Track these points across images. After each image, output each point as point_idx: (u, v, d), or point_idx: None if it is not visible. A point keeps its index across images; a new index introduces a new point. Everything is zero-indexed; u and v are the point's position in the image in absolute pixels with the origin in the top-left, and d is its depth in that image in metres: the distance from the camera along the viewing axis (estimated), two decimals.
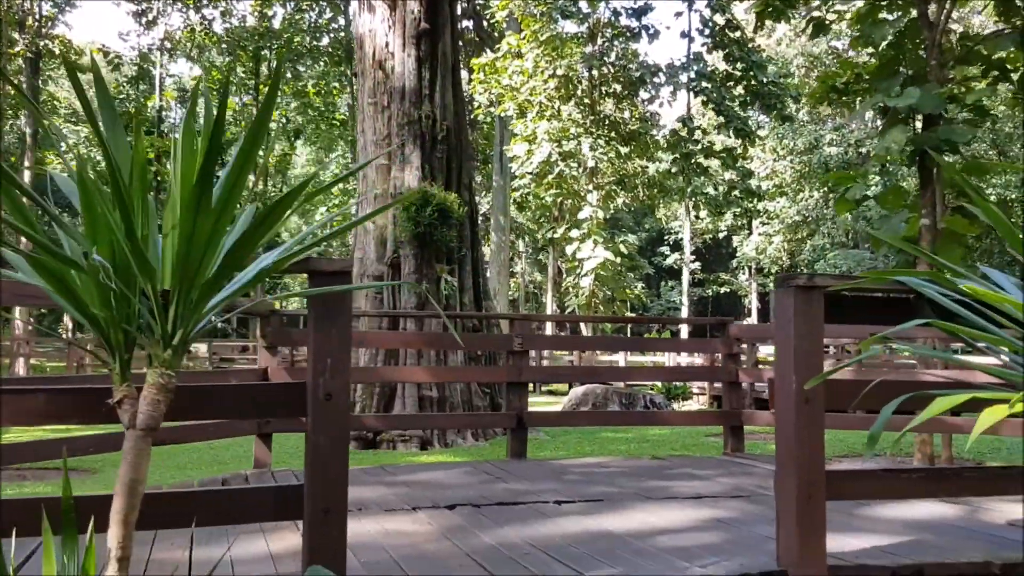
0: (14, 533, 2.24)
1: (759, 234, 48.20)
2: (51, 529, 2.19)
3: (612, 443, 11.77)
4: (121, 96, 33.72)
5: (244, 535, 3.63)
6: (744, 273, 56.01)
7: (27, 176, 25.76)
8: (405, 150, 12.80)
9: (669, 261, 55.60)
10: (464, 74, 33.02)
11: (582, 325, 33.99)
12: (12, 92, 31.31)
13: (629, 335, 40.92)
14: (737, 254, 53.83)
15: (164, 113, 41.20)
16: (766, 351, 22.05)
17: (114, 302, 2.04)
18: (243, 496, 2.71)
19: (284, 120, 45.61)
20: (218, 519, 2.63)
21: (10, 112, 31.87)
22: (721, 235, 54.57)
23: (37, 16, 28.47)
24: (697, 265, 57.90)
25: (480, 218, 43.83)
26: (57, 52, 28.54)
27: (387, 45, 13.19)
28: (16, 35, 27.49)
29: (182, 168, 2.11)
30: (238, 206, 2.31)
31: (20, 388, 2.39)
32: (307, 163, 57.06)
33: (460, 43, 19.09)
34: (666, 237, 57.86)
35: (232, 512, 2.61)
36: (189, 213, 1.99)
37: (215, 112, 2.09)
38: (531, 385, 26.82)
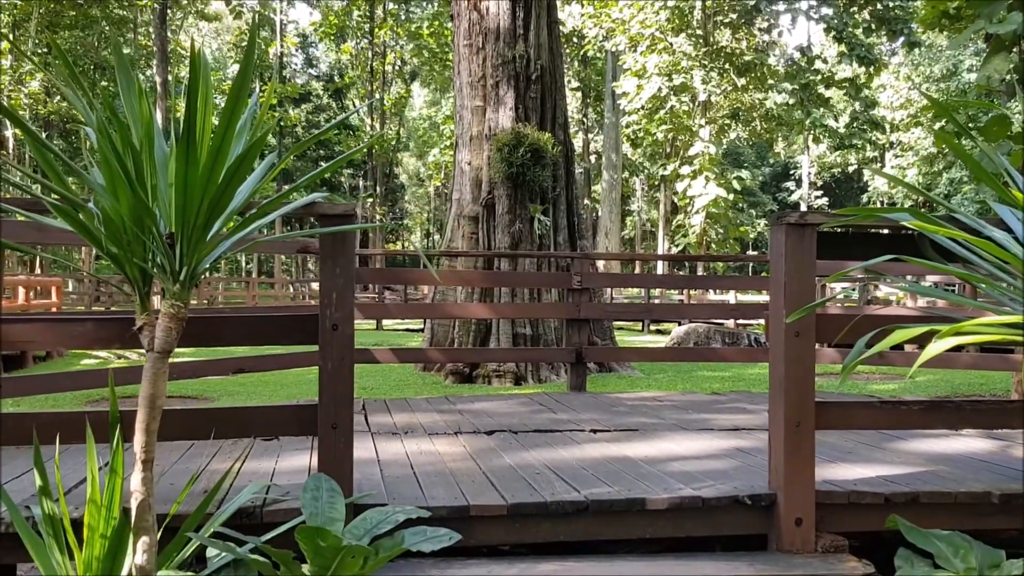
0: (57, 440, 2.70)
1: (892, 167, 45.98)
2: (93, 437, 2.64)
3: (706, 381, 11.86)
4: (243, 44, 35.01)
5: (296, 451, 4.08)
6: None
7: (159, 121, 27.33)
8: (499, 91, 12.97)
9: (794, 197, 53.86)
10: (575, 7, 32.66)
11: (699, 266, 33.64)
12: (144, 43, 33.12)
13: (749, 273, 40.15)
14: (868, 188, 51.56)
15: (286, 59, 42.54)
16: (887, 289, 21.36)
17: (126, 242, 2.42)
18: (266, 413, 3.11)
19: (400, 62, 46.35)
20: (239, 432, 3.03)
21: (142, 62, 33.77)
22: (851, 168, 52.29)
23: None
24: (824, 201, 55.80)
25: (592, 156, 43.65)
26: (184, 2, 29.91)
27: None
28: None
29: (183, 125, 2.44)
30: (257, 160, 2.65)
31: (72, 317, 2.83)
32: (424, 104, 57.86)
33: None
34: (791, 172, 55.97)
35: (255, 426, 3.01)
36: (180, 165, 2.33)
37: (199, 77, 2.41)
38: (641, 324, 26.93)
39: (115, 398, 2.73)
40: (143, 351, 2.62)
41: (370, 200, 41.66)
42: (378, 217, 41.42)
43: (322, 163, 54.51)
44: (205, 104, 2.51)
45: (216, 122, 2.48)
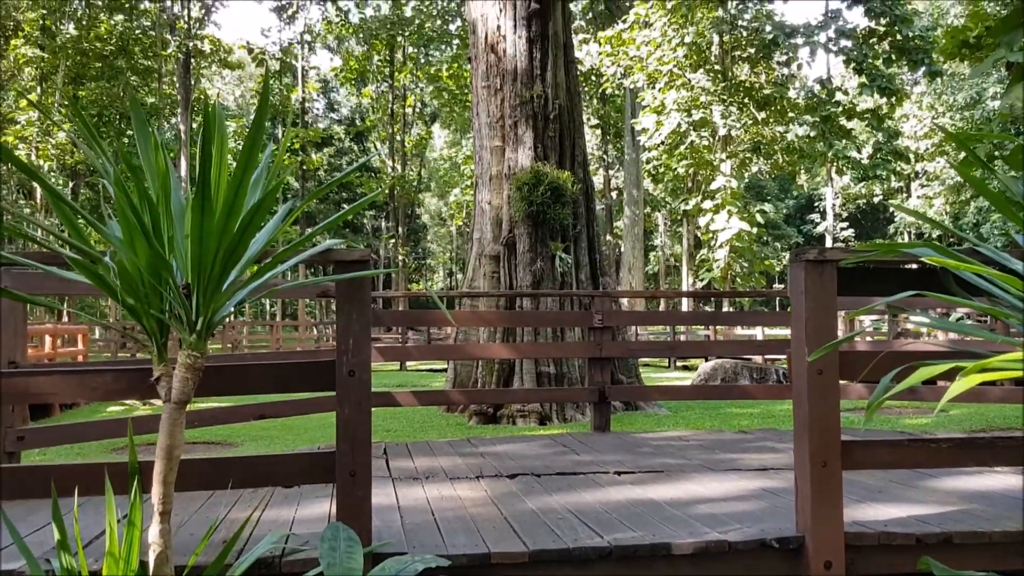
0: (76, 492, 2.71)
1: (918, 197, 45.68)
2: (112, 489, 2.64)
3: (733, 418, 11.74)
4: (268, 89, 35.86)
5: (316, 498, 4.07)
6: (903, 239, 53.37)
7: (183, 169, 27.83)
8: (518, 130, 13.09)
9: (819, 229, 53.62)
10: (593, 47, 32.98)
11: (724, 302, 33.45)
12: (169, 92, 33.80)
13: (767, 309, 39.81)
14: (895, 219, 51.25)
15: (308, 104, 43.23)
16: (919, 319, 21.11)
17: (143, 294, 2.44)
18: (283, 462, 3.11)
19: (420, 104, 46.93)
20: (257, 482, 3.03)
21: (167, 110, 34.45)
22: (876, 199, 52.03)
23: (187, 18, 30.54)
24: (851, 232, 55.47)
25: (613, 192, 43.75)
26: (207, 51, 30.55)
27: (499, 28, 13.49)
28: (168, 36, 29.61)
29: (198, 177, 2.47)
30: (272, 209, 2.69)
31: (90, 368, 2.86)
32: (445, 144, 58.44)
33: (573, 19, 19.14)
34: (816, 204, 55.80)
35: (272, 475, 3.00)
36: (195, 217, 2.36)
37: (213, 128, 2.46)
38: (667, 360, 26.76)
39: (134, 448, 2.74)
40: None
41: (392, 241, 42.02)
42: (400, 258, 41.70)
43: (344, 205, 55.09)
44: (220, 154, 2.55)
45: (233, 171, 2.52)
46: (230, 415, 5.91)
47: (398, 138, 41.60)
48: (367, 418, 3.00)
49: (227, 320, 25.26)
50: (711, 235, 27.87)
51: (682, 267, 36.01)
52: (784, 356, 20.61)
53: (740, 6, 24.15)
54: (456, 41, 36.25)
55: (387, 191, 41.39)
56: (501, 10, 13.50)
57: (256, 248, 2.61)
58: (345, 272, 3.00)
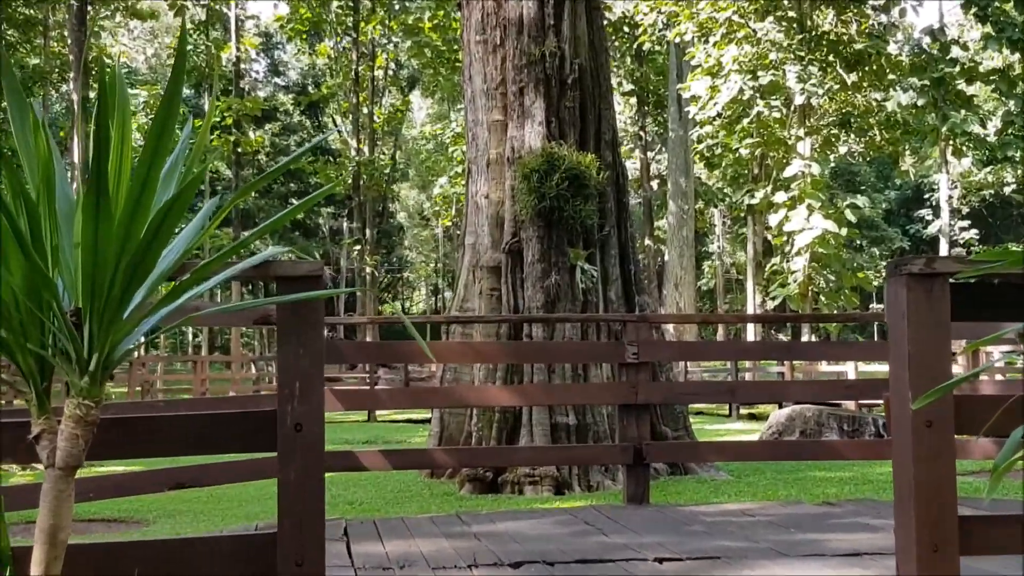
0: None
1: None
2: None
3: (817, 484, 11.69)
4: (188, 48, 35.97)
5: None
6: None
7: (76, 153, 27.96)
8: (524, 100, 13.13)
9: (932, 229, 53.61)
10: None
11: (805, 328, 33.43)
12: (57, 50, 34.01)
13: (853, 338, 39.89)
14: None
15: (244, 66, 43.45)
16: None
17: (18, 322, 2.45)
18: (206, 546, 3.10)
19: (395, 65, 47.13)
20: (169, 574, 3.02)
21: (55, 75, 34.62)
22: (1007, 189, 52.03)
23: None
24: (973, 233, 55.49)
25: (653, 181, 43.88)
26: None
27: None
28: None
29: (91, 166, 2.48)
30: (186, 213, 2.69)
31: None
32: (427, 119, 58.65)
33: None
34: (926, 196, 55.83)
35: (191, 564, 2.99)
36: (88, 219, 2.37)
37: (114, 101, 2.46)
38: (728, 407, 26.72)
39: (6, 529, 2.74)
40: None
41: (357, 247, 42.10)
42: (368, 270, 41.75)
43: (293, 200, 55.29)
44: (123, 135, 2.56)
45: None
46: (138, 483, 5.91)
47: (365, 110, 41.72)
48: (319, 486, 2.99)
49: (135, 355, 25.30)
50: (786, 238, 27.87)
51: (747, 281, 36.03)
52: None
53: None
54: None
55: (350, 181, 41.50)
56: None
57: (170, 260, 2.61)
58: (290, 291, 3.01)
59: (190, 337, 50.47)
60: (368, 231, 42.57)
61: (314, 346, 3.00)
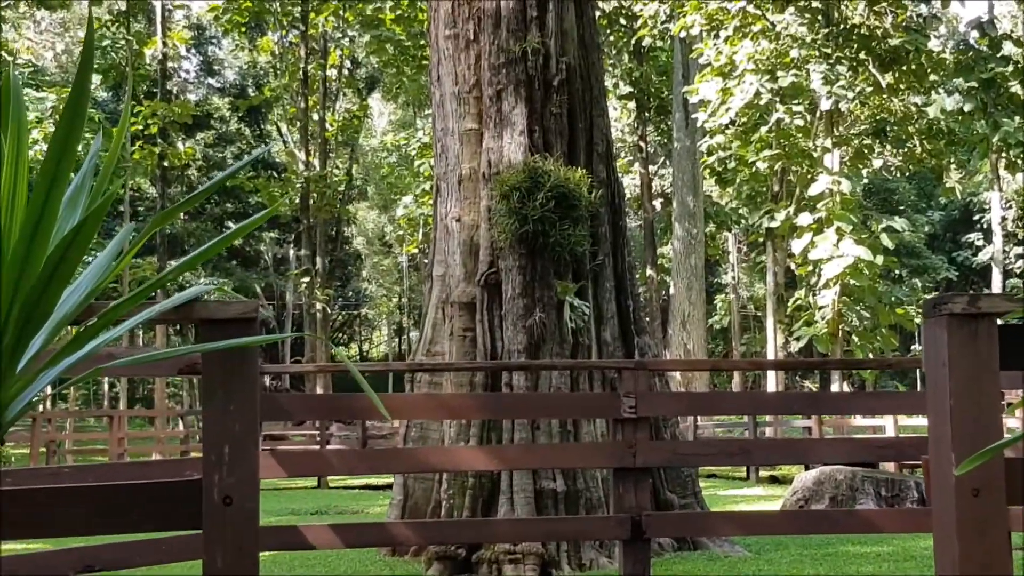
0: None
1: None
2: None
3: (851, 562, 11.67)
4: (105, 43, 35.87)
5: None
6: None
7: None
8: (503, 104, 13.17)
9: (983, 256, 53.93)
10: None
11: (834, 374, 33.47)
12: None
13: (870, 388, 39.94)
14: None
15: (171, 65, 43.41)
16: None
17: None
18: None
19: (351, 64, 47.21)
20: None
21: None
22: None
23: None
24: None
25: (656, 200, 44.01)
26: None
27: None
28: None
29: None
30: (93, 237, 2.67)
31: None
32: (389, 127, 58.75)
33: None
34: (976, 218, 56.16)
35: None
36: None
37: (7, 108, 2.45)
38: (745, 470, 26.67)
39: None
40: None
41: (306, 280, 41.98)
42: (319, 307, 41.65)
43: (230, 223, 55.14)
44: (17, 151, 2.54)
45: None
46: (39, 567, 5.84)
47: (315, 116, 41.76)
48: (252, 569, 2.96)
49: (39, 409, 25.13)
50: (811, 268, 27.95)
51: (766, 319, 36.06)
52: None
53: None
54: None
55: (297, 200, 41.43)
56: None
57: (75, 301, 2.59)
58: (218, 337, 2.99)
59: (105, 388, 50.12)
60: (319, 260, 42.48)
61: (247, 403, 2.97)
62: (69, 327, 2.72)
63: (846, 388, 30.97)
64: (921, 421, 26.11)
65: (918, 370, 43.04)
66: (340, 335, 69.16)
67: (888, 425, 24.33)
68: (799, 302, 30.27)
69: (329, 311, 45.58)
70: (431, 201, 18.26)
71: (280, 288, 57.06)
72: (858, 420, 26.95)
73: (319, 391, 38.94)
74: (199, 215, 53.78)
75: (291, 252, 55.81)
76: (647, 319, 32.41)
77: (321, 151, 42.09)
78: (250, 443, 2.98)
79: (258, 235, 56.78)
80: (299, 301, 48.82)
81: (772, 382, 32.82)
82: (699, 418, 26.95)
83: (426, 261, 18.56)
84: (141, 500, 3.04)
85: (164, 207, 39.86)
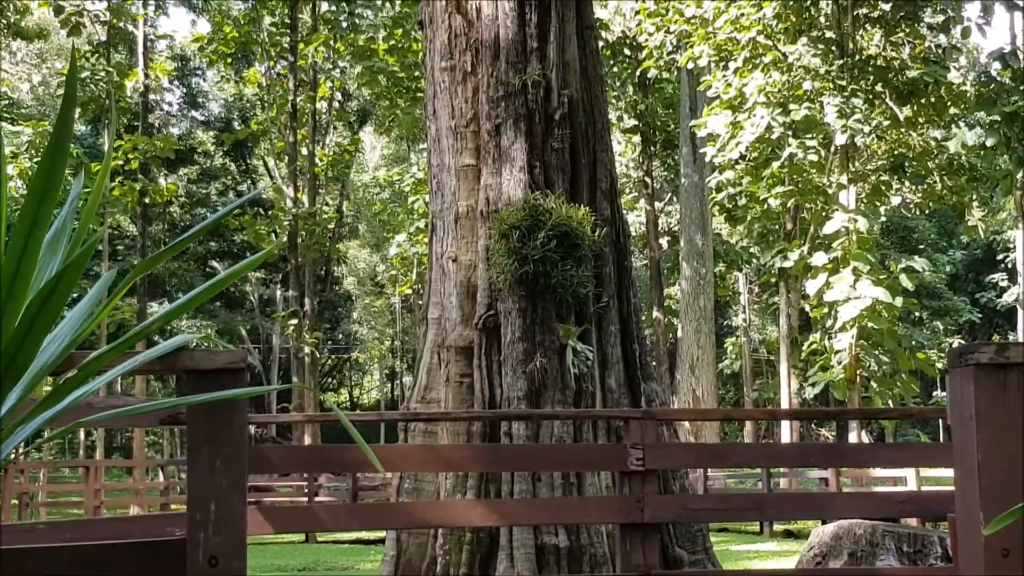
0: None
1: None
2: None
3: None
4: (84, 74, 36.00)
5: None
6: None
7: None
8: (502, 139, 13.22)
9: (1008, 298, 53.94)
10: (626, 2, 33.51)
11: (853, 424, 33.40)
12: None
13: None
14: None
15: (154, 97, 43.54)
16: None
17: None
18: None
19: (342, 96, 47.35)
20: None
21: None
22: None
23: None
24: None
25: (663, 239, 44.06)
26: None
27: None
28: None
29: None
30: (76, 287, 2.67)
31: None
32: (382, 162, 58.89)
33: None
34: (1001, 258, 56.21)
35: None
36: None
37: None
38: (759, 524, 26.61)
39: None
40: None
41: (293, 322, 41.93)
42: (307, 350, 41.59)
43: (213, 263, 55.20)
44: None
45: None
46: None
47: (304, 151, 41.82)
48: None
49: (11, 460, 25.05)
50: (826, 310, 27.92)
51: (779, 363, 36.00)
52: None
53: None
54: None
55: (285, 239, 41.42)
56: None
57: (54, 351, 2.59)
58: (204, 389, 2.99)
59: (81, 436, 49.90)
60: (308, 301, 42.41)
61: (234, 458, 2.97)
62: (48, 377, 2.72)
63: (864, 437, 30.89)
64: (945, 472, 26.03)
65: (941, 421, 42.97)
66: (329, 380, 69.06)
67: (910, 476, 24.27)
68: (814, 346, 30.21)
69: (318, 355, 45.38)
70: (426, 240, 18.27)
71: (266, 331, 57.03)
72: (877, 472, 26.89)
73: (307, 439, 38.85)
74: (182, 255, 53.78)
75: (278, 293, 55.81)
76: (654, 364, 32.41)
77: (310, 187, 42.08)
78: (237, 500, 2.97)
79: (244, 275, 56.79)
80: (286, 344, 48.76)
81: (786, 430, 32.73)
82: (706, 471, 26.88)
83: (420, 303, 18.51)
84: (122, 561, 3.03)
85: (145, 246, 39.84)
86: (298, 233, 40.55)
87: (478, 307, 12.87)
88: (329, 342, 60.94)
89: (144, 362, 2.88)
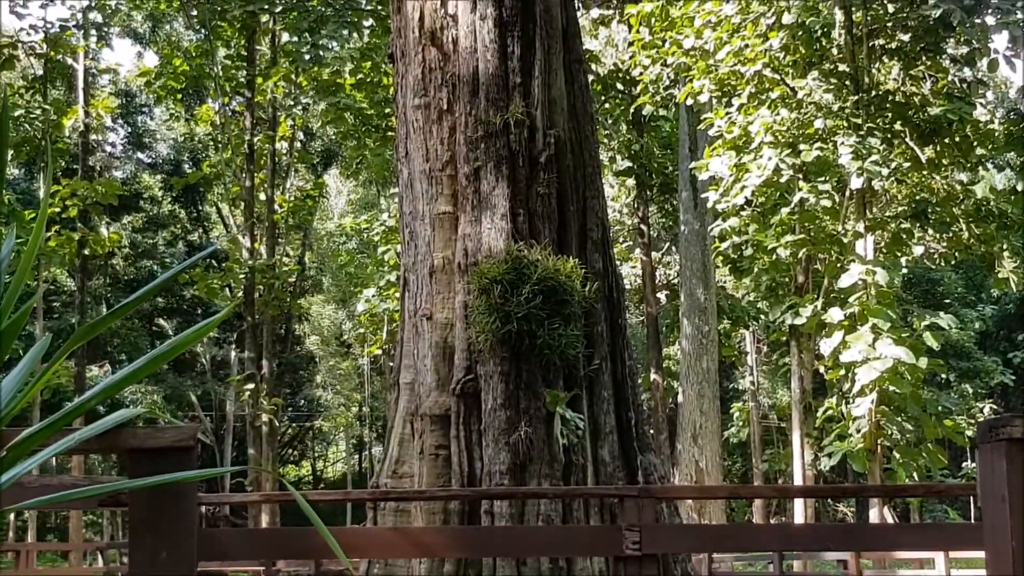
0: None
1: None
2: None
3: None
4: (18, 112, 35.98)
5: None
6: None
7: None
8: (481, 184, 13.25)
9: None
10: (618, 31, 33.69)
11: (874, 501, 33.30)
12: None
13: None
14: None
15: (96, 137, 43.52)
16: None
17: None
18: None
19: (304, 135, 47.37)
20: None
21: None
22: None
23: None
24: None
25: (661, 293, 44.12)
26: None
27: (444, 1, 13.82)
28: None
29: None
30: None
31: None
32: (348, 207, 58.91)
33: None
34: None
35: None
36: None
37: None
38: None
39: None
40: None
41: (249, 386, 41.77)
42: (265, 418, 41.40)
43: (161, 320, 55.00)
44: None
45: None
46: None
47: (262, 196, 41.81)
48: None
49: None
50: (843, 372, 27.92)
51: (791, 431, 35.97)
52: None
53: None
54: (369, 22, 36.88)
55: (241, 294, 41.32)
56: None
57: None
58: (148, 470, 2.97)
59: (12, 516, 49.66)
60: (266, 363, 42.21)
61: (182, 548, 2.94)
62: None
63: (887, 513, 30.80)
64: (978, 555, 25.97)
65: (972, 497, 42.94)
66: (290, 451, 68.69)
67: (938, 558, 24.23)
68: (830, 412, 30.15)
69: (277, 423, 45.14)
70: (397, 295, 18.25)
71: (220, 397, 56.71)
72: (900, 555, 26.80)
73: (265, 518, 38.60)
74: (127, 315, 53.62)
75: (233, 354, 55.54)
76: (652, 432, 32.34)
77: (269, 236, 41.99)
78: None
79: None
80: (242, 411, 48.52)
81: (799, 506, 32.65)
82: (711, 556, 26.75)
83: (391, 365, 18.48)
84: None
85: (84, 303, 39.72)
86: (255, 288, 40.40)
87: (455, 370, 12.86)
88: (289, 409, 60.67)
89: (82, 440, 2.87)
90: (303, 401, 65.34)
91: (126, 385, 2.61)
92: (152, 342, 51.14)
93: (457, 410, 12.71)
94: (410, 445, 13.03)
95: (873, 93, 26.24)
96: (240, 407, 48.33)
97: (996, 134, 27.37)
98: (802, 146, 26.07)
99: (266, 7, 35.22)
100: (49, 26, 36.28)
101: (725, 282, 41.57)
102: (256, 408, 41.01)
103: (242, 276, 40.52)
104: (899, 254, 29.68)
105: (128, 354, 49.28)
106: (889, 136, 26.22)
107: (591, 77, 31.20)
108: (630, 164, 40.44)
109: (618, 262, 16.06)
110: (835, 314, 27.42)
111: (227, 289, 42.49)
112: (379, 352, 47.02)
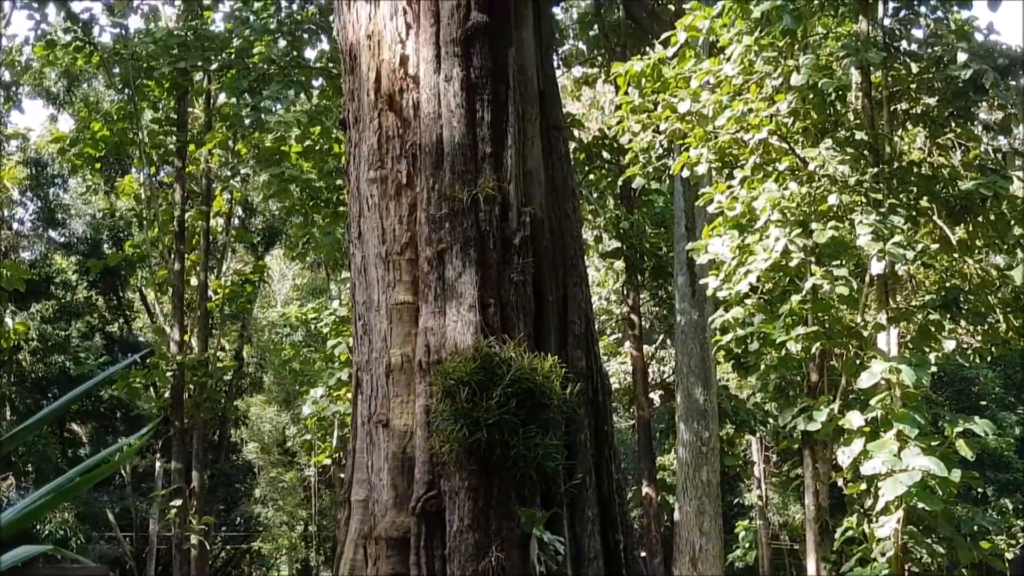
0: None
1: None
2: None
3: None
4: None
5: None
6: None
7: None
8: (446, 270, 13.27)
9: None
10: (602, 92, 33.93)
11: None
12: None
13: None
14: None
15: (2, 213, 43.54)
16: None
17: None
18: None
19: (243, 211, 47.42)
20: None
21: None
22: None
23: None
24: None
25: (655, 393, 44.09)
26: None
27: (403, 60, 13.93)
28: None
29: None
30: None
31: None
32: (293, 293, 58.89)
33: (562, 40, 19.77)
34: None
35: None
36: None
37: None
38: None
39: None
40: None
41: (177, 503, 41.56)
42: (195, 539, 41.15)
43: (74, 427, 54.65)
44: None
45: None
46: None
47: (194, 281, 41.79)
48: None
49: None
50: (864, 485, 27.94)
51: (806, 554, 35.90)
52: None
53: (905, 14, 24.96)
54: (319, 81, 37.10)
55: (167, 395, 41.13)
56: (409, 26, 13.94)
57: None
58: None
59: None
60: (196, 475, 42.01)
61: None
62: None
63: None
64: None
65: None
66: (231, 572, 68.12)
67: None
68: (850, 532, 30.12)
69: (208, 545, 44.84)
70: (349, 396, 18.21)
71: (142, 515, 56.22)
72: None
73: None
74: (30, 414, 53.34)
75: (157, 464, 55.03)
76: (644, 555, 32.23)
77: (201, 327, 41.87)
78: None
79: (113, 440, 56.24)
80: (167, 532, 48.07)
81: None
82: None
83: (342, 477, 18.46)
84: None
85: None
86: (185, 387, 40.22)
87: (416, 486, 12.83)
88: (223, 528, 60.24)
89: None
90: (239, 519, 64.84)
91: (36, 517, 2.66)
92: (64, 451, 50.71)
93: (417, 532, 12.67)
94: (363, 572, 12.98)
95: (895, 165, 26.38)
96: (166, 526, 47.87)
97: None
98: (814, 225, 26.16)
99: (200, 64, 35.23)
100: None
101: (728, 381, 41.62)
102: (184, 528, 40.69)
103: (169, 374, 40.23)
104: (927, 349, 29.75)
105: (35, 464, 48.79)
106: (914, 214, 26.33)
107: (573, 145, 31.35)
108: (618, 244, 40.39)
109: (605, 358, 16.11)
110: (854, 419, 27.41)
111: (152, 388, 42.20)
112: (328, 462, 46.80)
